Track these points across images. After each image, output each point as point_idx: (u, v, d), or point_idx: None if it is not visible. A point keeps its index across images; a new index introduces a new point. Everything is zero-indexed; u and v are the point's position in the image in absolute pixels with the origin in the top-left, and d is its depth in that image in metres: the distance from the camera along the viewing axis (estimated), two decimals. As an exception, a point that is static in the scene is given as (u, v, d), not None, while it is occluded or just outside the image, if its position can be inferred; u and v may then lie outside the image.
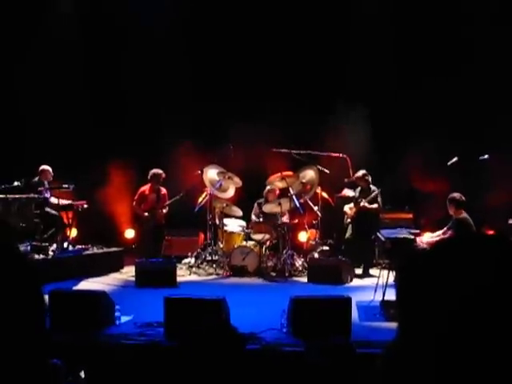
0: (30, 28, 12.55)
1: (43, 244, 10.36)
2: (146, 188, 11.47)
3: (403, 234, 8.49)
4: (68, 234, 11.08)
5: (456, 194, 9.23)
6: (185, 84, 12.50)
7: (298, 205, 10.78)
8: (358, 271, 10.66)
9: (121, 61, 12.69)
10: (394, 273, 8.38)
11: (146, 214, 11.35)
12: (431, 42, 12.02)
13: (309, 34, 12.36)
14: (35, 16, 12.66)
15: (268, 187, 11.33)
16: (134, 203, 11.45)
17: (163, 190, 11.50)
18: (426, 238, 9.14)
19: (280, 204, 10.97)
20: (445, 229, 9.20)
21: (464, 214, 9.16)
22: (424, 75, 11.89)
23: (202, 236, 12.05)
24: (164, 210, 11.44)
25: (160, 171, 11.32)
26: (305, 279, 10.31)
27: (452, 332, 1.02)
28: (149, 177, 11.36)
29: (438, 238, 8.93)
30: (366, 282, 10.11)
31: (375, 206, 10.69)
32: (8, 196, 10.19)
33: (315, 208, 11.15)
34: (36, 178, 10.89)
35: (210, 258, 11.28)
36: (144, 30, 12.50)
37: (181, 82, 12.49)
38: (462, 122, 11.49)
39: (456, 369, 1.02)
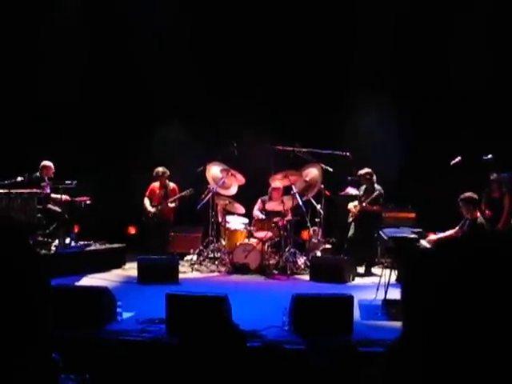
0: (35, 21, 12.55)
1: (46, 239, 10.38)
2: (156, 184, 11.59)
3: (406, 233, 8.46)
4: (70, 229, 11.08)
5: (470, 193, 8.78)
6: (190, 81, 12.48)
7: (300, 203, 10.77)
8: (360, 270, 10.66)
9: (125, 57, 12.66)
10: (397, 272, 8.38)
11: (153, 209, 11.39)
12: (432, 42, 12.00)
13: (313, 32, 12.31)
14: (41, 10, 12.65)
15: (273, 185, 11.30)
16: (145, 198, 11.55)
17: (172, 186, 11.59)
18: (434, 238, 8.95)
19: (283, 202, 10.96)
20: (457, 228, 8.86)
21: (481, 219, 8.72)
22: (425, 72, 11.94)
23: (204, 233, 12.04)
24: (171, 205, 11.46)
25: (161, 169, 11.41)
26: (307, 277, 10.30)
27: (457, 331, 1.02)
28: (153, 175, 11.46)
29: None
30: (368, 280, 10.12)
31: (376, 207, 10.64)
32: (11, 191, 10.21)
33: (318, 206, 11.15)
34: (37, 173, 10.89)
35: (212, 255, 11.29)
36: (148, 27, 12.47)
37: (186, 78, 12.47)
38: (466, 120, 11.51)
39: (459, 368, 1.02)
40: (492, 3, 11.83)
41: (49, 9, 12.78)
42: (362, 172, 10.77)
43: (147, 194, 11.62)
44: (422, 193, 11.72)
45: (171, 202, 11.48)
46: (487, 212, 9.75)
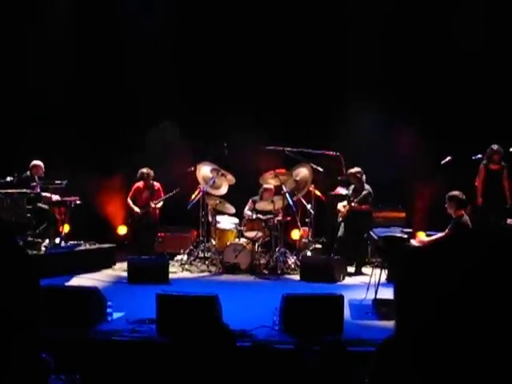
0: (26, 22, 12.48)
1: (35, 240, 10.33)
2: (139, 184, 11.51)
3: (396, 232, 8.47)
4: (60, 229, 11.04)
5: (457, 192, 8.68)
6: (181, 81, 12.47)
7: (291, 202, 10.77)
8: (351, 269, 10.67)
9: (116, 58, 12.61)
10: (387, 271, 8.40)
11: (139, 210, 11.38)
12: (429, 44, 12.05)
13: (306, 32, 12.30)
14: (31, 10, 12.58)
15: (264, 186, 11.30)
16: (128, 199, 11.49)
17: (157, 186, 11.56)
18: (425, 240, 8.93)
19: (273, 202, 10.96)
20: (446, 231, 8.81)
21: (465, 218, 8.62)
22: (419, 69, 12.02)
23: (194, 233, 12.03)
24: (158, 205, 11.45)
25: (145, 170, 11.36)
26: (297, 277, 10.30)
27: (450, 330, 1.02)
28: (137, 176, 11.42)
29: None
30: (359, 280, 10.13)
31: (364, 207, 10.64)
32: (0, 191, 10.16)
33: (308, 206, 11.16)
34: (27, 173, 10.85)
35: (202, 255, 11.27)
36: (140, 29, 12.42)
37: (177, 78, 12.46)
38: (456, 121, 11.55)
39: (453, 367, 1.02)
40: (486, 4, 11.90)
41: (41, 6, 12.72)
42: (352, 171, 10.77)
43: (131, 194, 11.55)
44: (412, 192, 11.79)
45: (157, 204, 11.47)
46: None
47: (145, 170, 11.40)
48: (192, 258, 11.25)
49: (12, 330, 1.15)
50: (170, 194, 11.41)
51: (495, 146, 10.10)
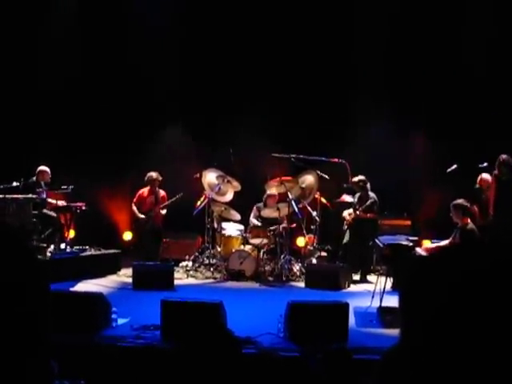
0: (32, 26, 12.52)
1: (41, 245, 10.34)
2: (144, 190, 11.52)
3: (401, 240, 8.46)
4: (66, 235, 11.05)
5: (461, 200, 8.67)
6: (187, 86, 12.50)
7: (296, 210, 10.76)
8: (356, 277, 10.65)
9: (120, 61, 12.65)
10: (392, 279, 8.38)
11: (143, 216, 11.37)
12: (431, 47, 12.04)
13: (312, 39, 12.32)
14: (38, 10, 12.62)
15: (268, 192, 11.30)
16: (133, 205, 11.50)
17: (162, 193, 11.54)
18: (430, 246, 8.93)
19: (278, 209, 10.95)
20: (450, 239, 8.78)
21: (471, 225, 8.62)
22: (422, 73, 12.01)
23: (199, 239, 12.02)
24: (162, 212, 11.45)
25: (154, 174, 11.37)
26: (302, 284, 10.29)
27: (455, 339, 1.02)
28: (145, 180, 11.43)
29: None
30: (364, 287, 10.10)
31: (370, 215, 10.62)
32: (6, 196, 10.18)
33: (314, 213, 11.14)
34: (33, 179, 10.87)
35: (207, 262, 11.26)
36: (147, 31, 12.43)
37: (184, 85, 12.49)
38: (462, 128, 11.53)
39: (458, 377, 1.01)
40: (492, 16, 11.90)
41: (48, 6, 12.77)
42: (355, 179, 10.76)
43: (135, 200, 11.55)
44: (417, 200, 11.77)
45: (163, 209, 11.46)
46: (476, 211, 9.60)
47: (154, 174, 11.39)
48: (197, 265, 11.25)
49: (21, 335, 1.15)
50: (173, 198, 11.39)
51: (503, 156, 9.99)
